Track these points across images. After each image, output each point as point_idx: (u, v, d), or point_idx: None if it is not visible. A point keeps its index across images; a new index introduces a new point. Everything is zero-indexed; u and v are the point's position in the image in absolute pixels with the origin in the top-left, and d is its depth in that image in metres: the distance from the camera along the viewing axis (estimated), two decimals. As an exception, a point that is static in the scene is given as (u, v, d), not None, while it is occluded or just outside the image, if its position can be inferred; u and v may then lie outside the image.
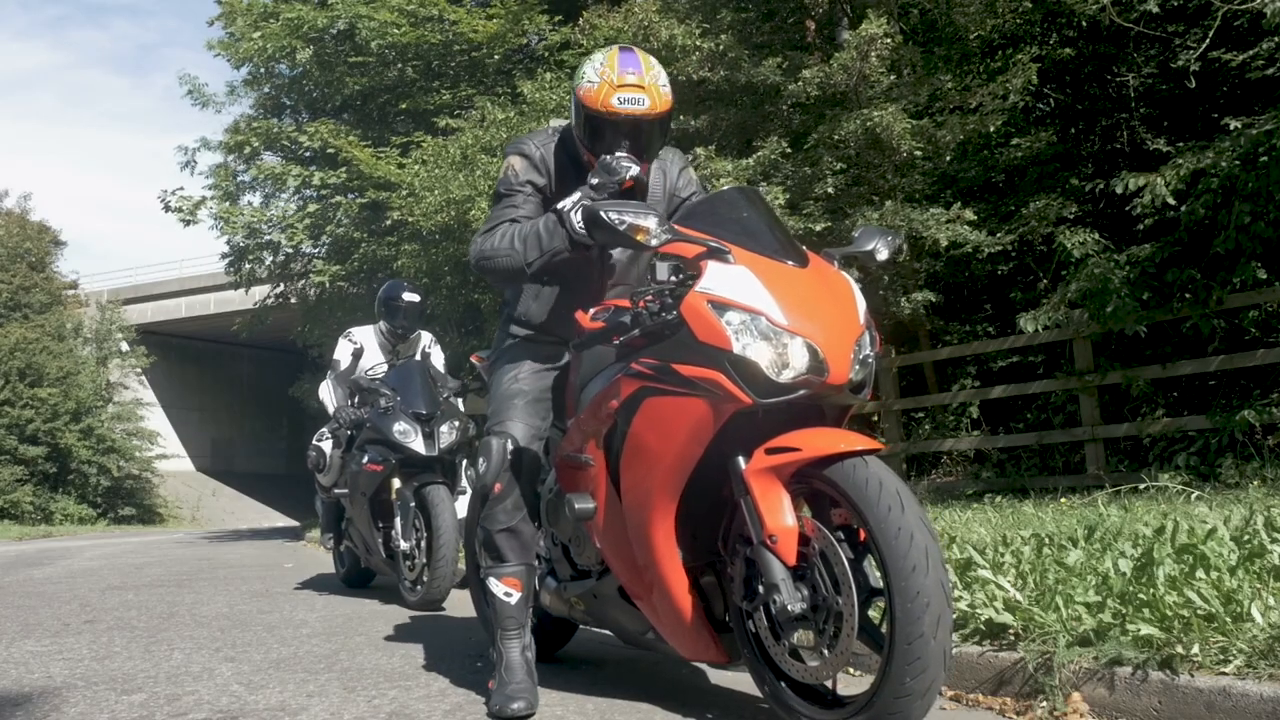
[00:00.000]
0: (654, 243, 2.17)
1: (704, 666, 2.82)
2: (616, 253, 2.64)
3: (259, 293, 15.36)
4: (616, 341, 2.27)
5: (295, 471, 32.01)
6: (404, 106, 12.58)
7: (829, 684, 2.07)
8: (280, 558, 8.79)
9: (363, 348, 5.45)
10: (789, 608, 1.99)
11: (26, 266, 25.97)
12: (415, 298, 5.54)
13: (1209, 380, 7.90)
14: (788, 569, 2.01)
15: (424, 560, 4.62)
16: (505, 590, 2.54)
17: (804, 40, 9.93)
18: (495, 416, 2.65)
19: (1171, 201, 7.08)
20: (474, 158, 10.02)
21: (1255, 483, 5.36)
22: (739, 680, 2.72)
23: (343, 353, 5.46)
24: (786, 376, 2.02)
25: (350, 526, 5.20)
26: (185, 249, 74.01)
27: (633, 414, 2.23)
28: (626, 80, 2.47)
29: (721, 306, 2.06)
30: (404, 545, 4.70)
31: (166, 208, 13.80)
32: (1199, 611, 2.19)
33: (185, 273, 30.95)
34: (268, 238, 13.73)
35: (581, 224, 2.32)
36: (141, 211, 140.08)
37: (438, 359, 5.57)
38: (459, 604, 4.50)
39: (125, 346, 27.58)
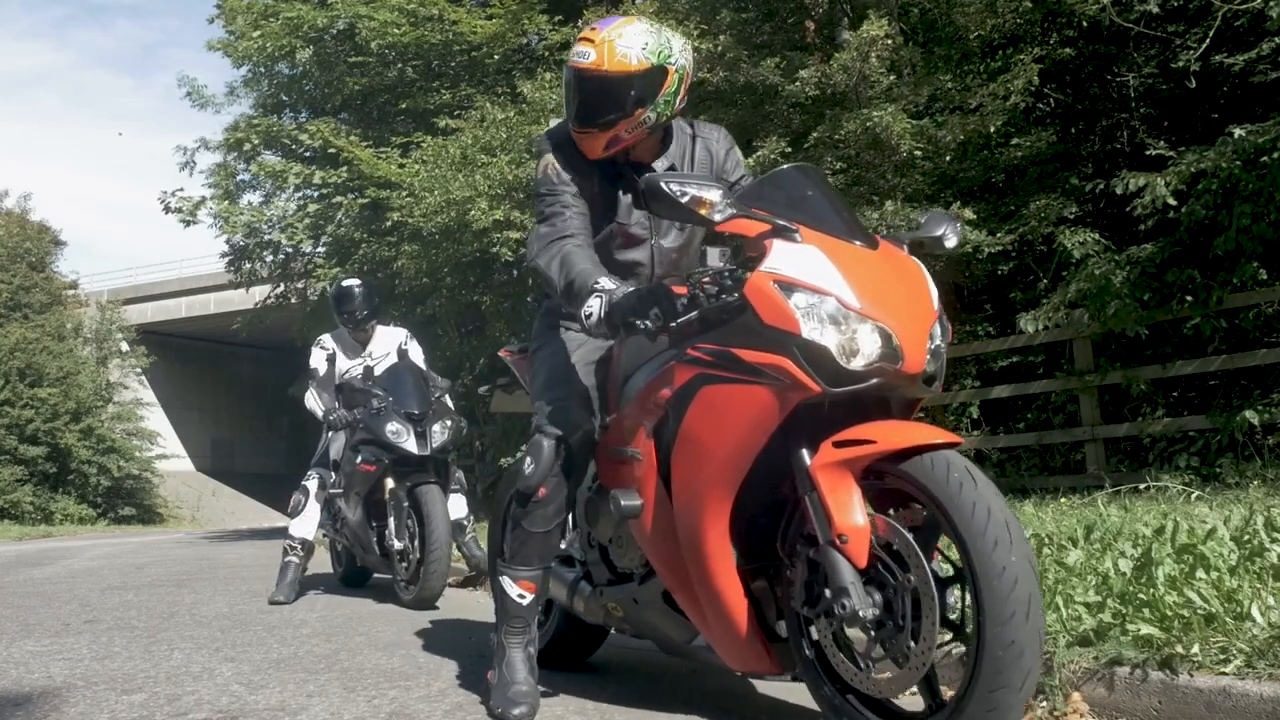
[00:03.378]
0: (717, 217, 1.99)
1: (712, 672, 2.82)
2: (668, 241, 2.56)
3: (259, 293, 15.37)
4: (672, 326, 2.10)
5: (295, 471, 31.84)
6: (404, 106, 12.58)
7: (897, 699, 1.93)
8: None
9: (334, 352, 5.55)
10: (860, 613, 1.83)
11: (26, 266, 25.97)
12: (358, 281, 5.72)
13: (1209, 380, 7.90)
14: (858, 571, 1.86)
15: (418, 559, 4.65)
16: (520, 592, 2.44)
17: (804, 41, 9.93)
18: (542, 414, 2.47)
19: (1172, 202, 7.08)
20: (474, 158, 10.02)
21: (1255, 483, 5.36)
22: (744, 683, 2.72)
23: (318, 360, 5.54)
24: (858, 364, 1.88)
25: (346, 526, 5.26)
26: (185, 249, 74.01)
27: (687, 404, 2.08)
28: (584, 35, 2.41)
29: (789, 287, 1.92)
30: (398, 545, 4.74)
31: (167, 209, 13.81)
32: (1199, 611, 2.19)
33: (185, 273, 30.97)
34: (268, 237, 13.74)
35: (596, 325, 2.16)
36: (141, 211, 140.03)
37: (416, 354, 5.62)
38: (456, 604, 4.51)
39: (125, 346, 27.58)
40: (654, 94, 2.38)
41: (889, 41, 8.20)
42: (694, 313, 2.09)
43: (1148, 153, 8.20)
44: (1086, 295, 7.48)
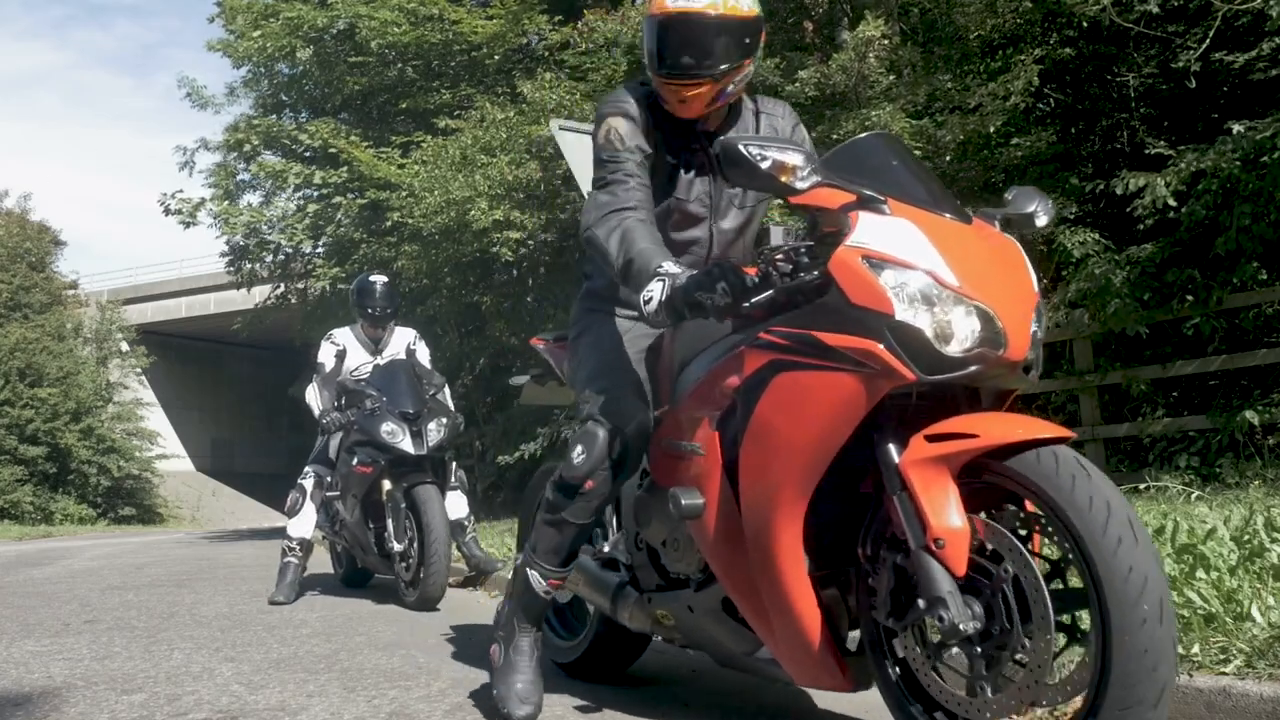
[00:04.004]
0: (801, 185, 1.80)
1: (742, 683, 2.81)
2: (727, 221, 2.39)
3: (259, 293, 15.38)
4: (745, 305, 1.90)
5: (296, 471, 31.88)
6: (404, 106, 12.59)
7: None
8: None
9: (345, 349, 5.43)
10: (960, 626, 1.64)
11: (26, 266, 25.96)
12: (384, 278, 5.61)
13: (1209, 380, 7.89)
14: (956, 580, 1.68)
15: (418, 561, 4.59)
16: (547, 589, 2.31)
17: (803, 41, 9.93)
18: (593, 404, 2.28)
19: (1172, 202, 7.08)
20: (474, 158, 10.02)
21: (1255, 483, 5.36)
22: (743, 680, 2.71)
23: (326, 355, 5.44)
24: (956, 349, 1.70)
25: (345, 528, 5.18)
26: (185, 249, 74.05)
27: (759, 393, 1.89)
28: None
29: (879, 264, 1.74)
30: (397, 547, 4.67)
31: (166, 211, 13.83)
32: (1199, 611, 2.19)
33: (185, 273, 30.97)
34: (268, 238, 13.75)
35: (656, 312, 1.95)
36: (141, 211, 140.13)
37: (423, 355, 5.54)
38: (457, 604, 4.48)
39: (125, 346, 27.58)
40: (758, 46, 2.24)
41: (886, 42, 8.20)
42: (768, 292, 1.90)
43: (1147, 152, 8.20)
44: (1086, 295, 7.48)
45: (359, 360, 5.42)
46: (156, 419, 28.33)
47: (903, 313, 1.71)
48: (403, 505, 4.71)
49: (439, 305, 11.88)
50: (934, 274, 1.73)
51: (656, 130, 2.29)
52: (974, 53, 9.50)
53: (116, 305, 28.54)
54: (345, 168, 12.30)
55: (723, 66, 2.19)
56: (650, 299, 1.95)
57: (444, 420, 4.93)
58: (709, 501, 2.04)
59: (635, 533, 2.38)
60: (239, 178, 14.10)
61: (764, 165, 1.79)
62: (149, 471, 26.73)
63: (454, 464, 5.41)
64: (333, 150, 12.29)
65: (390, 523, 4.74)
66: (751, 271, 1.96)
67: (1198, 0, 8.36)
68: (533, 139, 9.44)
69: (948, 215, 1.86)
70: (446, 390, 5.42)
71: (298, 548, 5.22)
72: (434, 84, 12.58)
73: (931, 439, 1.72)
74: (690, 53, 2.17)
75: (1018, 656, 1.65)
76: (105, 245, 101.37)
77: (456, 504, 5.27)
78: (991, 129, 8.54)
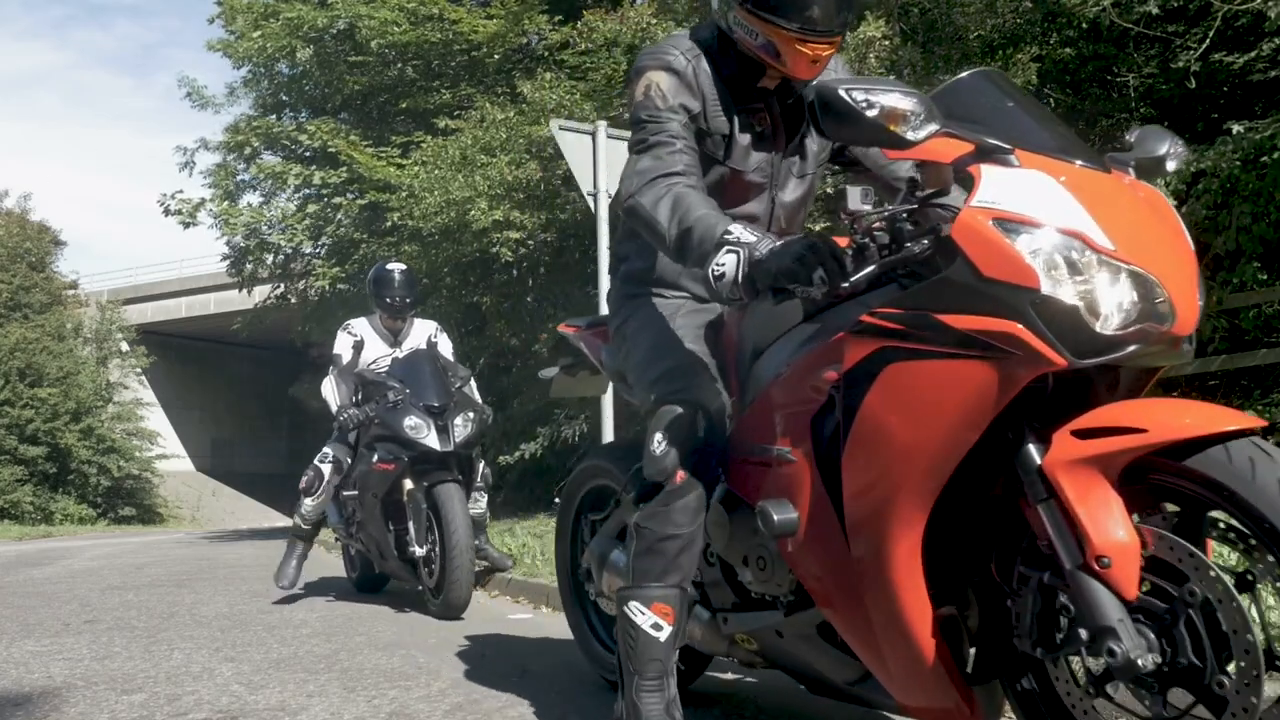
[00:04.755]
0: (917, 135, 1.50)
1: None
2: (788, 192, 2.13)
3: (259, 293, 15.39)
4: (844, 286, 1.60)
5: (295, 471, 31.90)
6: (404, 106, 12.59)
7: None
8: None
9: (363, 340, 5.14)
10: (1138, 662, 1.38)
11: (26, 266, 25.95)
12: (402, 265, 5.36)
13: (1209, 380, 7.89)
14: (1125, 605, 1.41)
15: (439, 565, 4.27)
16: (655, 621, 1.89)
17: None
18: (661, 388, 2.00)
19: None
20: (473, 158, 10.02)
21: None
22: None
23: (343, 346, 5.13)
24: (1114, 325, 1.42)
25: (362, 530, 4.88)
26: (185, 249, 73.98)
27: (865, 388, 1.61)
28: None
29: (1015, 226, 1.45)
30: (419, 551, 4.35)
31: (166, 211, 13.84)
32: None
33: (185, 273, 30.96)
34: (268, 238, 13.76)
35: (730, 287, 1.68)
36: (141, 211, 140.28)
37: (445, 348, 5.26)
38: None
39: (125, 346, 27.57)
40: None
41: (887, 42, 8.20)
42: (870, 268, 1.60)
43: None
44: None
45: (377, 353, 5.13)
46: (156, 419, 28.33)
47: (1049, 285, 1.42)
48: (424, 506, 4.40)
49: (439, 305, 11.88)
50: (1083, 235, 1.44)
51: (715, 90, 2.02)
52: (974, 53, 9.50)
53: (116, 305, 28.54)
54: (345, 168, 12.30)
55: (850, 17, 2.01)
56: (722, 272, 1.67)
57: (471, 414, 4.63)
58: (804, 515, 1.76)
59: (706, 546, 2.07)
60: (239, 178, 14.12)
61: (871, 113, 1.49)
62: (149, 471, 26.73)
63: (482, 462, 5.12)
64: (332, 150, 12.30)
65: (412, 524, 4.43)
66: (844, 243, 1.65)
67: (1198, 0, 8.36)
68: (533, 139, 9.44)
69: (1080, 163, 1.57)
70: (473, 383, 5.14)
71: (309, 528, 5.01)
72: (434, 84, 12.58)
73: (1081, 434, 1.45)
74: (841, 5, 1.92)
75: (1219, 691, 1.36)
76: (105, 245, 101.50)
77: (477, 503, 5.01)
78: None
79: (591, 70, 9.67)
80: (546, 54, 11.57)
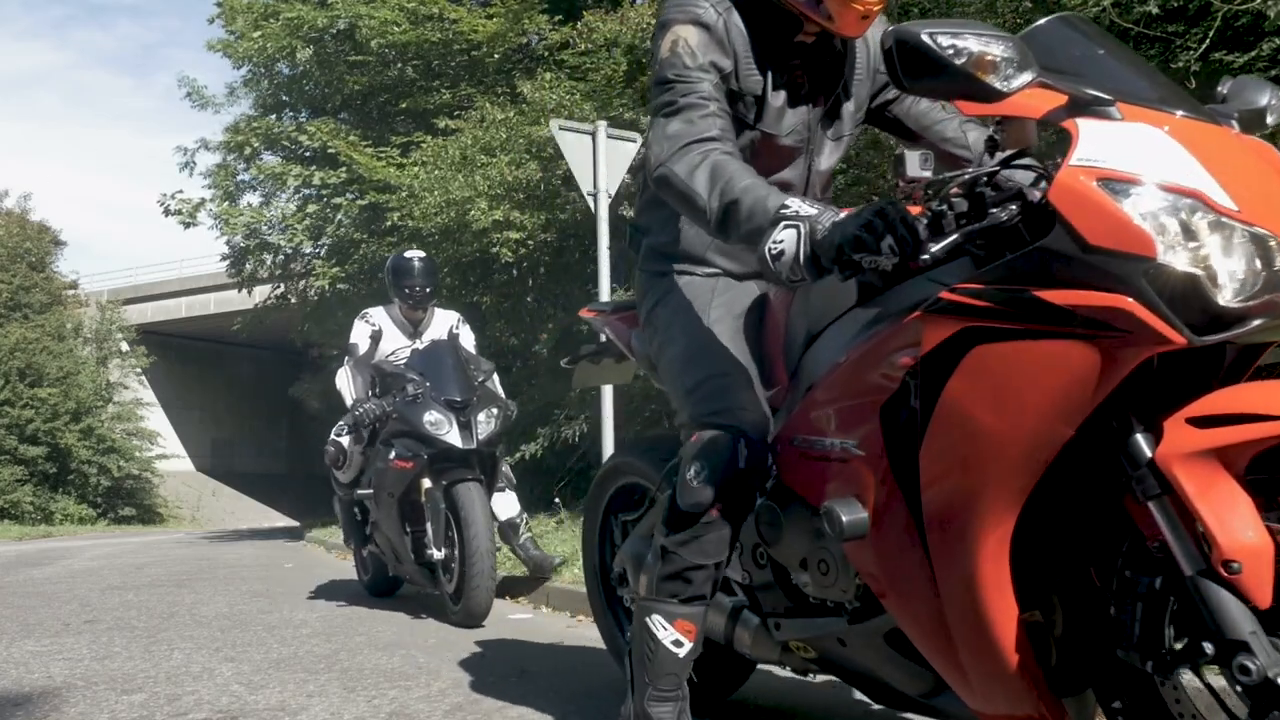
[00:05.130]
0: (1008, 85, 1.33)
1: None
2: (824, 158, 1.97)
3: (259, 293, 15.39)
4: (925, 258, 1.42)
5: (295, 471, 32.05)
6: (404, 106, 12.60)
7: None
8: (280, 558, 8.78)
9: (381, 329, 4.91)
10: (1277, 680, 1.23)
11: (26, 266, 25.95)
12: (421, 253, 5.20)
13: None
14: (1256, 615, 1.26)
15: (458, 569, 4.04)
16: (676, 638, 1.82)
17: (804, 40, 9.94)
18: (698, 401, 1.85)
19: None
20: (473, 158, 10.02)
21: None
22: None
23: (360, 335, 4.91)
24: (1239, 297, 1.25)
25: (376, 531, 4.63)
26: (185, 249, 73.93)
27: (946, 373, 1.43)
28: None
29: (1122, 186, 1.27)
30: (437, 555, 4.13)
31: (166, 211, 13.84)
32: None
33: (185, 273, 30.96)
34: (268, 238, 13.76)
35: (791, 266, 1.49)
36: (141, 211, 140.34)
37: (467, 339, 5.02)
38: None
39: (125, 346, 27.57)
40: None
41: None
42: (952, 238, 1.42)
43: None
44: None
45: (396, 344, 4.91)
46: (156, 419, 28.33)
47: (1164, 252, 1.24)
48: (443, 507, 4.16)
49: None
50: (1201, 195, 1.27)
51: (749, 47, 1.85)
52: (974, 53, 9.51)
53: (116, 305, 28.54)
54: (345, 168, 12.30)
55: None
56: (780, 250, 1.49)
57: (495, 411, 4.37)
58: (874, 514, 1.60)
59: (754, 545, 1.93)
60: (239, 178, 14.12)
61: (959, 61, 1.32)
62: (149, 471, 26.73)
63: (504, 460, 4.89)
64: (332, 151, 12.30)
65: (430, 526, 4.20)
66: (916, 211, 1.48)
67: (1198, 0, 8.36)
68: (533, 139, 9.44)
69: (1184, 114, 1.39)
70: (496, 376, 4.86)
71: (346, 496, 4.97)
72: (434, 84, 12.58)
73: (1198, 423, 1.29)
74: None
75: None
76: (105, 245, 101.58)
77: (507, 504, 4.77)
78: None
79: (591, 70, 9.67)
80: (546, 54, 11.57)
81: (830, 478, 1.69)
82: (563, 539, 5.88)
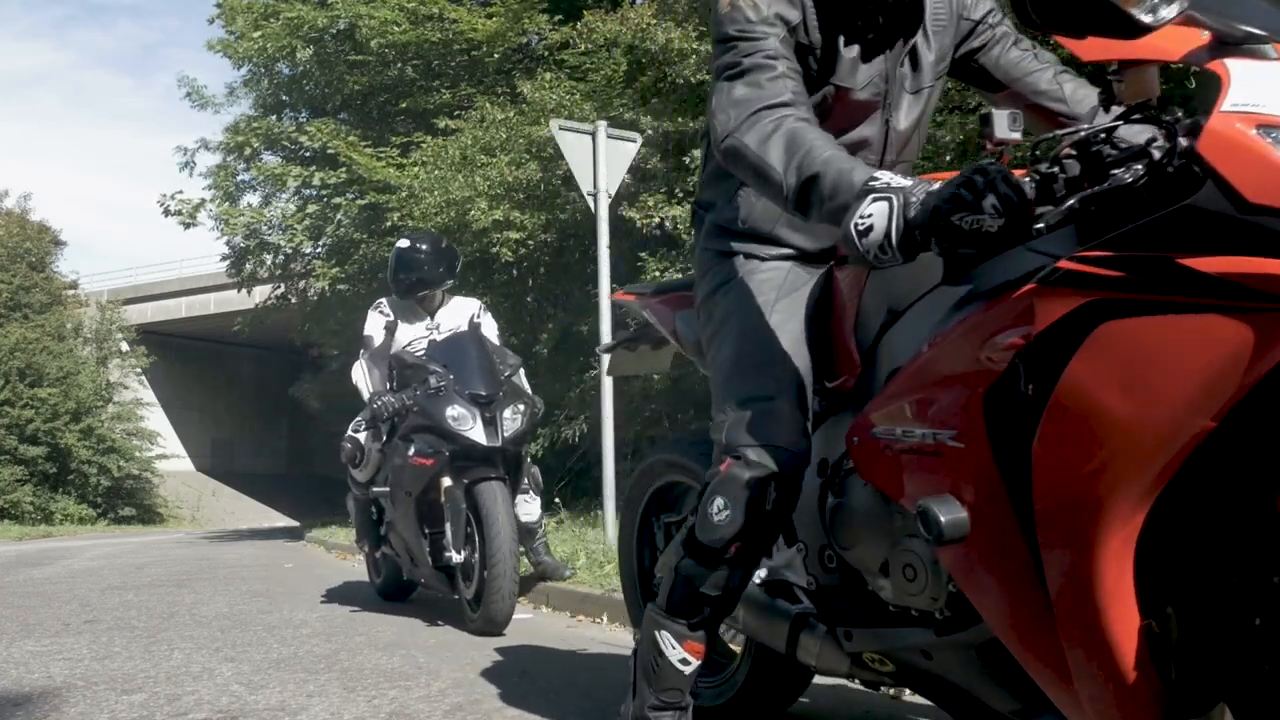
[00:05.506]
0: (1153, 18, 1.19)
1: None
2: (902, 114, 1.80)
3: (259, 293, 15.41)
4: (1038, 226, 1.27)
5: (295, 471, 32.10)
6: (404, 106, 12.61)
7: None
8: (280, 558, 8.79)
9: (396, 320, 4.66)
10: None
11: (26, 266, 25.95)
12: (423, 237, 4.89)
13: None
14: None
15: (478, 573, 3.84)
16: (684, 657, 1.76)
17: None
18: (738, 427, 1.70)
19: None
20: (473, 158, 10.04)
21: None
22: None
23: (374, 327, 4.64)
24: None
25: (392, 531, 4.40)
26: (185, 249, 73.92)
27: (1067, 353, 1.25)
28: None
29: None
30: (456, 558, 3.90)
31: (166, 212, 13.86)
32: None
33: (185, 273, 30.97)
34: (268, 239, 13.77)
35: (880, 245, 1.32)
36: (141, 211, 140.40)
37: (490, 330, 4.72)
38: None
39: (125, 346, 27.58)
40: None
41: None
42: (1069, 202, 1.25)
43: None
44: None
45: (412, 336, 4.64)
46: (156, 419, 28.33)
47: None
48: (463, 507, 3.92)
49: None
50: None
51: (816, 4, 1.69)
52: (974, 53, 9.52)
53: (116, 305, 28.54)
54: (344, 169, 12.31)
55: None
56: (869, 225, 1.33)
57: (521, 407, 4.14)
58: (974, 513, 1.41)
59: (823, 549, 1.78)
60: (239, 179, 14.14)
61: None
62: (149, 471, 26.74)
63: (529, 461, 4.66)
64: (332, 151, 12.31)
65: (449, 528, 3.96)
66: (1020, 174, 1.31)
67: (1197, 0, 8.38)
68: (533, 139, 9.45)
69: None
70: (522, 372, 4.63)
71: (362, 495, 4.74)
72: (434, 84, 12.59)
73: None
74: None
75: None
76: (105, 245, 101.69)
77: (529, 509, 4.60)
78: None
79: (591, 70, 9.68)
80: (546, 54, 11.58)
81: (921, 473, 1.50)
82: (562, 539, 5.88)
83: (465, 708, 2.43)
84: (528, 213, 9.64)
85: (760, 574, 1.90)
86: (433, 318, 4.70)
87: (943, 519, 1.39)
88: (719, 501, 1.66)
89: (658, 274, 8.02)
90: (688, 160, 8.20)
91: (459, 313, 4.76)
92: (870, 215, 1.33)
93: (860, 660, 1.76)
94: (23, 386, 23.42)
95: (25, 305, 25.34)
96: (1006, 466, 1.37)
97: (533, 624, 4.04)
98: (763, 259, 1.83)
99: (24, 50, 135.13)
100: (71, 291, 27.94)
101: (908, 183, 1.35)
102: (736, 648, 2.25)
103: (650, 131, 8.48)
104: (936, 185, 1.32)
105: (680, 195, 8.29)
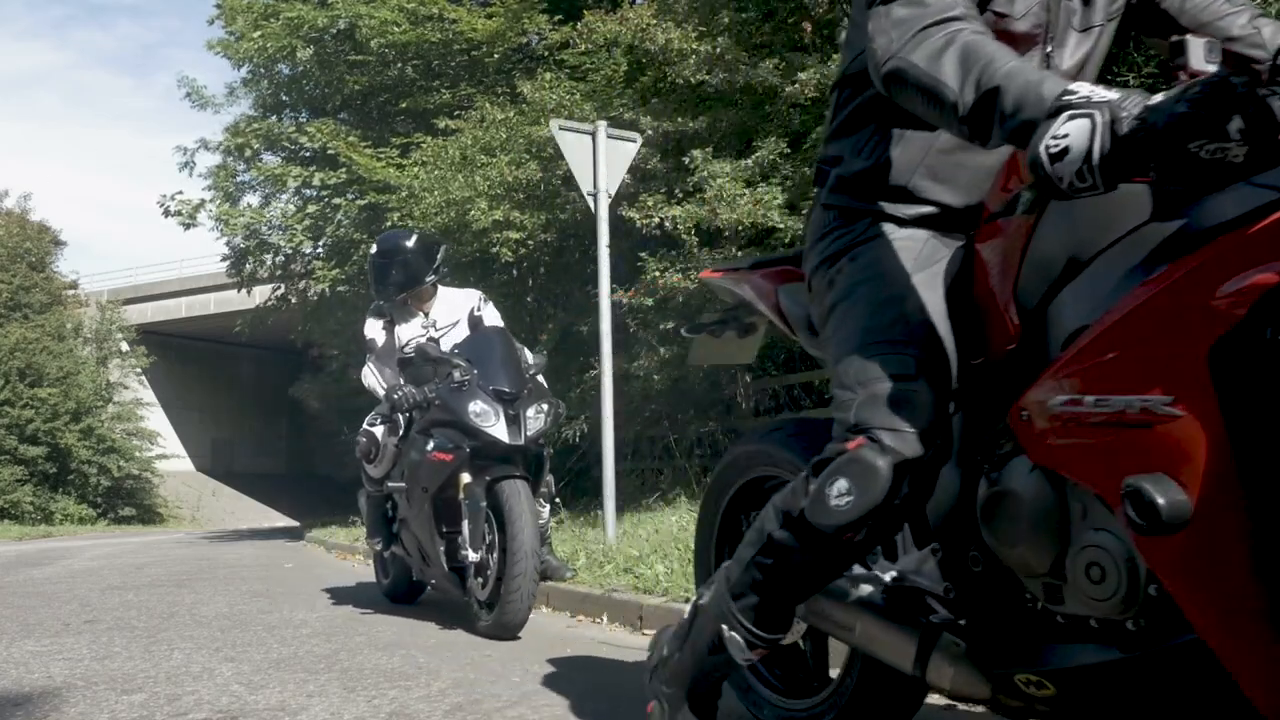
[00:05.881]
0: None
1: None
2: (1066, 50, 1.58)
3: (259, 293, 15.41)
4: (1242, 147, 1.06)
5: (295, 471, 32.10)
6: (404, 106, 12.61)
7: None
8: (280, 558, 8.79)
9: (393, 319, 4.62)
10: None
11: (26, 266, 25.95)
12: (397, 235, 4.75)
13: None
14: None
15: (497, 575, 3.68)
16: (747, 658, 1.61)
17: (802, 41, 9.94)
18: (867, 405, 1.45)
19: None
20: (473, 158, 10.04)
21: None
22: None
23: (374, 329, 4.61)
24: None
25: (404, 529, 4.28)
26: (186, 249, 74.03)
27: None
28: None
29: None
30: (473, 557, 3.75)
31: (166, 212, 13.86)
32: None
33: (185, 273, 30.98)
34: (267, 239, 13.78)
35: (1079, 168, 1.11)
36: (141, 211, 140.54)
37: (493, 320, 4.62)
38: (461, 605, 4.18)
39: (125, 346, 27.58)
40: None
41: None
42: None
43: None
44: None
45: (409, 336, 4.56)
46: (157, 419, 28.34)
47: None
48: (483, 505, 3.77)
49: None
50: None
51: None
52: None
53: (116, 305, 28.55)
54: (344, 169, 12.32)
55: None
56: (1063, 147, 1.12)
57: (544, 406, 4.05)
58: (1198, 495, 1.14)
59: (965, 548, 1.52)
60: (239, 179, 14.14)
61: None
62: (149, 471, 26.75)
63: (549, 464, 4.46)
64: (332, 152, 12.32)
65: (467, 525, 3.79)
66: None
67: (1197, 0, 8.37)
68: (533, 139, 9.45)
69: None
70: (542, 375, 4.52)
71: (376, 492, 4.59)
72: (434, 84, 12.59)
73: None
74: None
75: None
76: (105, 245, 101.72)
77: (541, 511, 4.40)
78: None
79: (591, 70, 9.68)
80: (546, 54, 11.58)
81: (1123, 449, 1.22)
82: (562, 539, 5.88)
83: (465, 708, 2.43)
84: (528, 213, 9.64)
85: (885, 578, 1.66)
86: (427, 315, 4.63)
87: (1160, 500, 1.13)
88: (842, 484, 1.42)
89: (657, 274, 8.02)
90: (687, 160, 8.21)
91: (455, 306, 4.67)
92: (1066, 135, 1.13)
93: (1008, 684, 1.45)
94: (23, 386, 23.43)
95: (25, 305, 25.34)
96: (1247, 445, 1.13)
97: (533, 624, 4.03)
98: (899, 221, 1.59)
99: (24, 50, 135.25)
100: (71, 291, 27.94)
101: (1114, 95, 1.13)
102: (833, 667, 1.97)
103: (650, 132, 8.48)
104: (1157, 98, 1.10)
105: (680, 195, 8.29)
